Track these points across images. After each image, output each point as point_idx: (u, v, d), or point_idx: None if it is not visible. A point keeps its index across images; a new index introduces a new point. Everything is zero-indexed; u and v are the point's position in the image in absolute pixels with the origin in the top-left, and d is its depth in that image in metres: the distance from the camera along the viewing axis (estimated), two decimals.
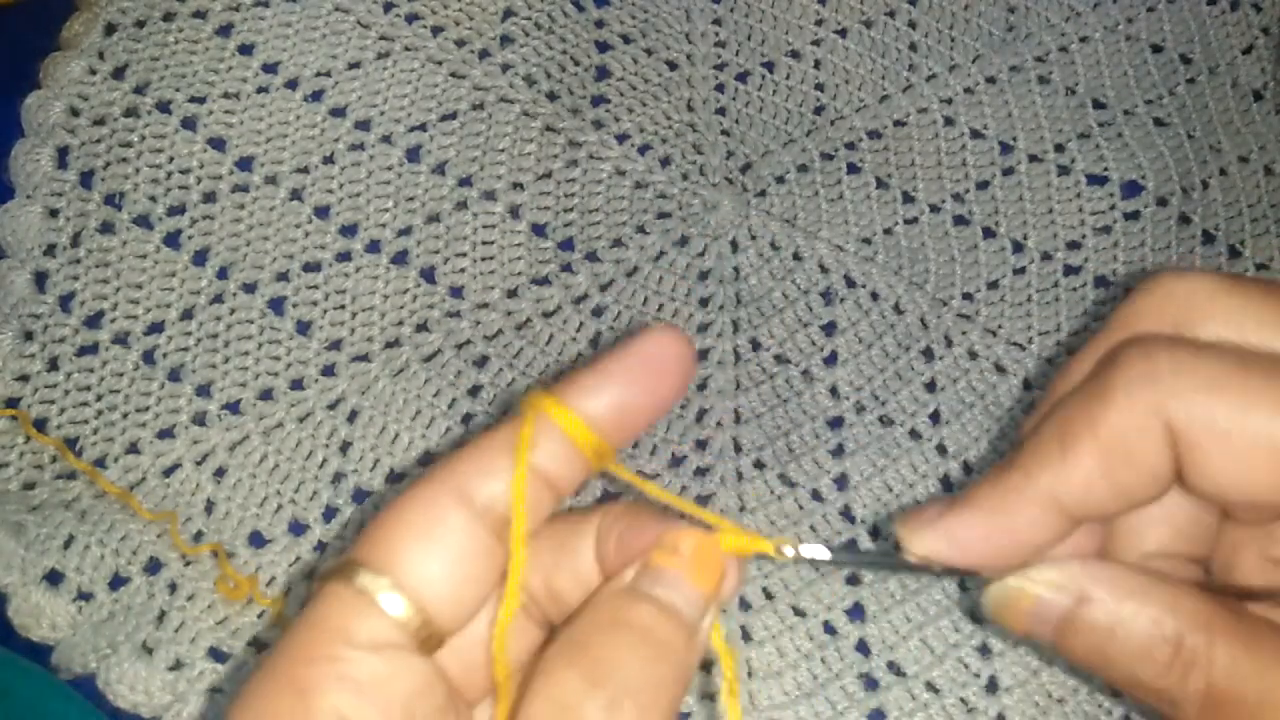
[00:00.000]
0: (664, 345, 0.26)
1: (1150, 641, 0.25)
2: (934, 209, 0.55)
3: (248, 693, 0.23)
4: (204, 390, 0.49)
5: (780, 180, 0.55)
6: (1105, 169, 0.56)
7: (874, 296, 0.53)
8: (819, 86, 0.57)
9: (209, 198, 0.52)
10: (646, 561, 0.25)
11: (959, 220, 0.55)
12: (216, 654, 0.44)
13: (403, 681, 0.23)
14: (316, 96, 0.54)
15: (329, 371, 0.49)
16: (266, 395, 0.49)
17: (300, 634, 0.24)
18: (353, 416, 0.49)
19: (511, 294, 0.52)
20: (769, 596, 0.47)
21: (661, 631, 0.24)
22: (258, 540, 0.47)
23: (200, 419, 0.48)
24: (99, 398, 0.48)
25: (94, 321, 0.49)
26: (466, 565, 0.24)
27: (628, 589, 0.25)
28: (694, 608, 0.25)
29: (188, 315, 0.50)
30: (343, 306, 0.51)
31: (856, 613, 0.47)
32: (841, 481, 0.50)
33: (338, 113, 0.54)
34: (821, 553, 0.27)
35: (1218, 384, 0.24)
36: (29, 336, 0.49)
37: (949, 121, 0.57)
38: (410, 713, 0.23)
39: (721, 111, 0.56)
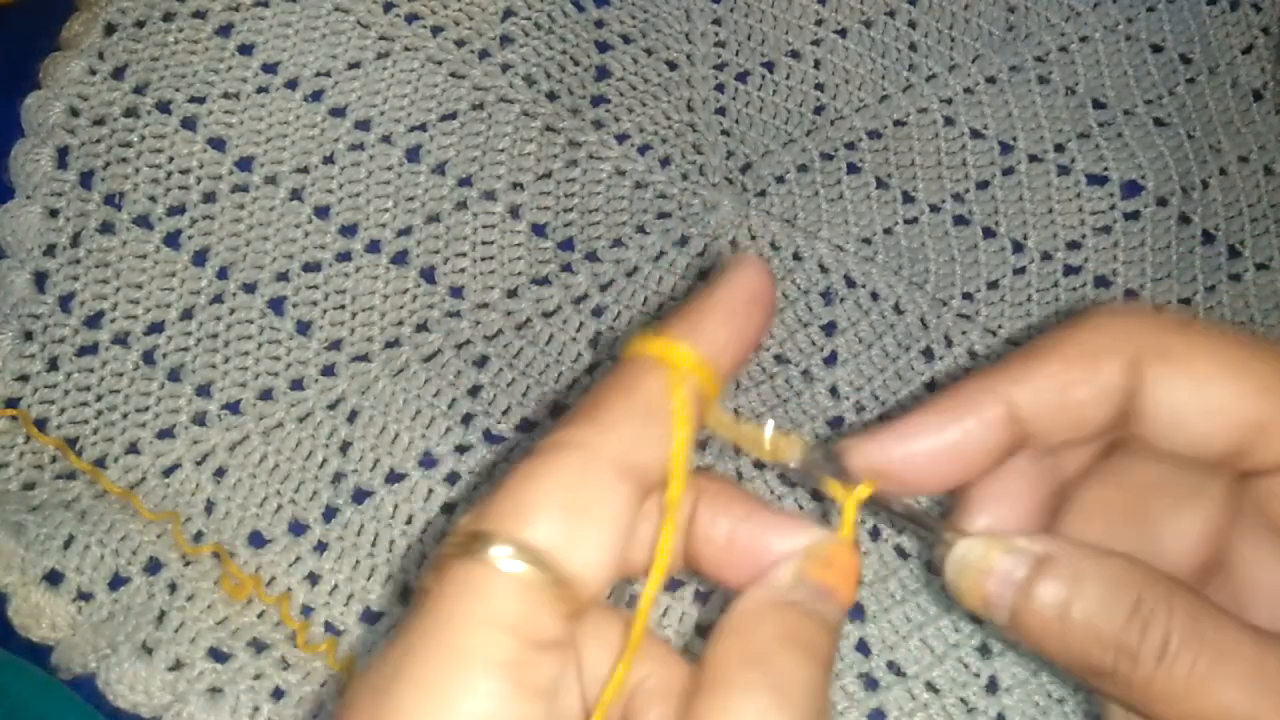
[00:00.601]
0: (756, 277, 0.26)
1: (1108, 605, 0.25)
2: (934, 209, 0.55)
3: (395, 687, 0.22)
4: (204, 390, 0.49)
5: (780, 180, 0.55)
6: (1105, 169, 0.56)
7: (874, 296, 0.53)
8: (819, 86, 0.57)
9: (209, 198, 0.52)
10: (802, 572, 0.25)
11: (959, 220, 0.55)
12: (216, 654, 0.44)
13: (547, 668, 0.22)
14: (316, 96, 0.54)
15: (329, 371, 0.49)
16: (266, 395, 0.49)
17: (438, 618, 0.22)
18: (353, 416, 0.49)
19: (511, 294, 0.52)
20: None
21: (824, 646, 0.25)
22: (258, 540, 0.47)
23: (200, 419, 0.48)
24: (99, 398, 0.48)
25: (94, 321, 0.49)
26: (624, 540, 0.23)
27: (792, 604, 0.25)
28: (841, 619, 0.25)
29: (188, 315, 0.50)
30: (343, 306, 0.51)
31: (856, 613, 0.47)
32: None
33: (338, 113, 0.54)
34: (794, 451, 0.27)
35: (1185, 328, 0.26)
36: (29, 336, 0.48)
37: (949, 121, 0.57)
38: (551, 694, 0.23)
39: (721, 111, 0.56)
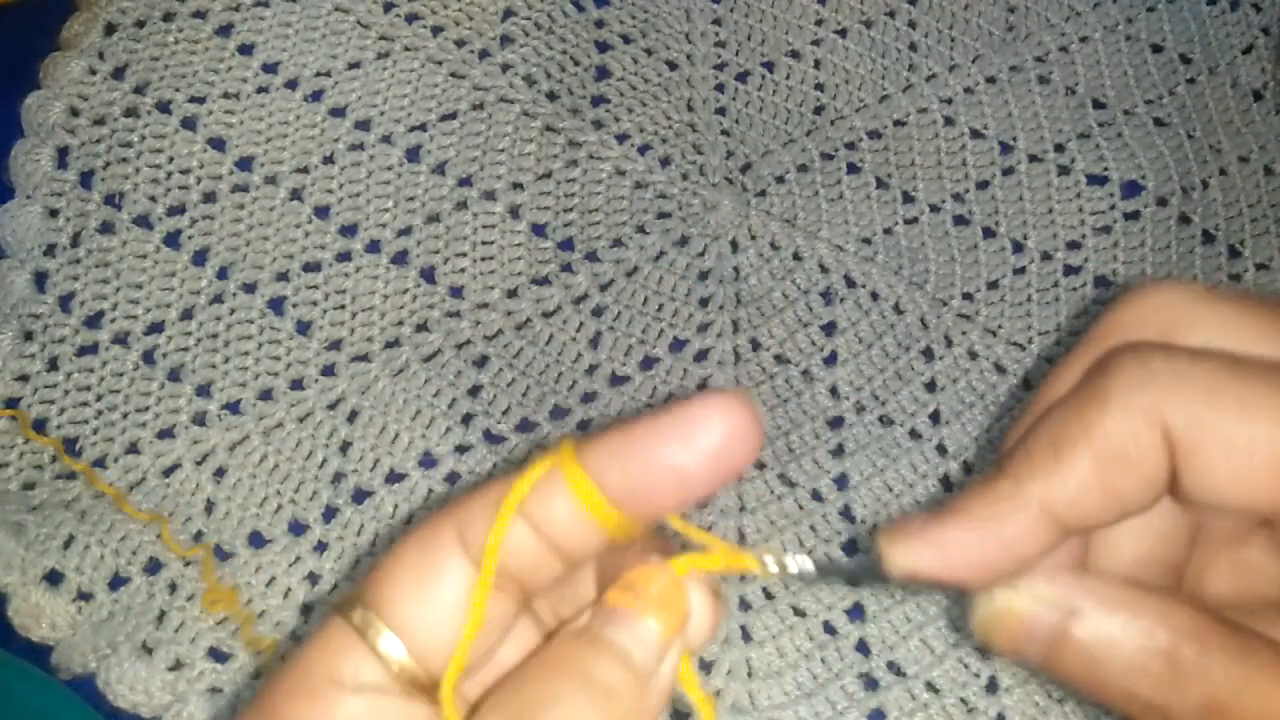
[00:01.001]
0: (715, 412, 0.23)
1: (1144, 654, 0.24)
2: (934, 209, 0.55)
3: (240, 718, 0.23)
4: (204, 390, 0.49)
5: (780, 180, 0.55)
6: (1105, 169, 0.56)
7: (874, 296, 0.53)
8: (819, 86, 0.57)
9: (209, 198, 0.52)
10: (602, 601, 0.24)
11: (959, 220, 0.55)
12: (216, 654, 0.44)
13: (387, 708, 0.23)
14: (316, 96, 0.54)
15: (329, 371, 0.49)
16: (266, 395, 0.49)
17: (293, 666, 0.23)
18: (353, 416, 0.49)
19: (511, 294, 0.52)
20: (769, 596, 0.47)
21: (608, 677, 0.23)
22: (258, 540, 0.47)
23: (200, 419, 0.48)
24: (99, 398, 0.48)
25: (94, 321, 0.49)
26: (462, 610, 0.23)
27: (579, 630, 0.24)
28: (650, 650, 0.23)
29: (188, 315, 0.50)
30: (343, 306, 0.51)
31: (856, 613, 0.47)
32: (841, 481, 0.50)
33: (338, 113, 0.54)
34: (806, 564, 0.26)
35: (1216, 389, 0.24)
36: (29, 336, 0.48)
37: (949, 121, 0.57)
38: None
39: (721, 111, 0.56)
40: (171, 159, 0.52)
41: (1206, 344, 0.25)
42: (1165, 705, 0.24)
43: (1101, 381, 0.25)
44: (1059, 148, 0.56)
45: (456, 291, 0.52)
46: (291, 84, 0.54)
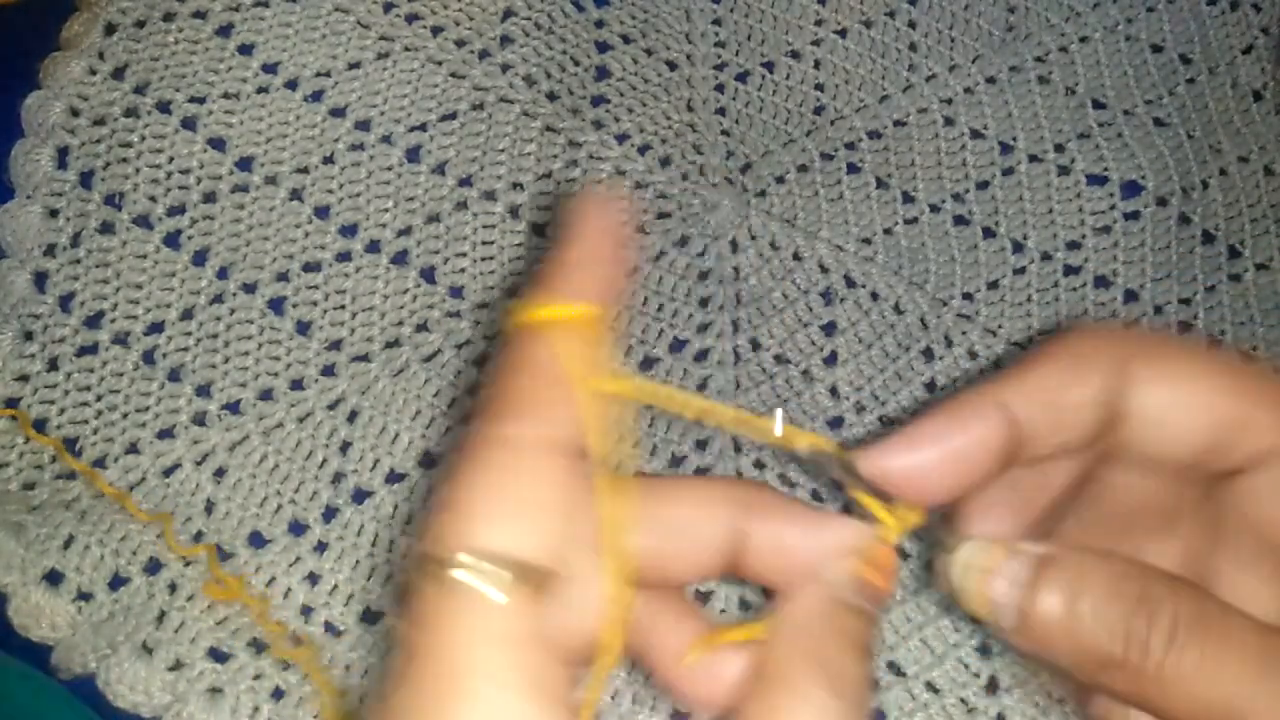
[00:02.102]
0: (603, 213, 0.27)
1: (1117, 593, 0.25)
2: (934, 209, 0.55)
3: (395, 707, 0.22)
4: (204, 390, 0.49)
5: (780, 180, 0.55)
6: (1105, 169, 0.56)
7: (874, 296, 0.53)
8: (819, 86, 0.57)
9: (209, 198, 0.52)
10: (854, 573, 0.26)
11: (959, 220, 0.55)
12: (216, 654, 0.44)
13: (532, 659, 0.23)
14: (316, 96, 0.54)
15: (329, 371, 0.49)
16: (266, 395, 0.49)
17: (436, 657, 0.23)
18: (353, 416, 0.49)
19: (511, 294, 0.52)
20: (769, 596, 0.47)
21: (870, 641, 0.26)
22: (258, 540, 0.47)
23: (200, 419, 0.48)
24: (99, 398, 0.48)
25: (94, 321, 0.49)
26: (563, 512, 0.24)
27: (843, 602, 0.26)
28: (881, 615, 0.27)
29: (188, 315, 0.50)
30: (343, 306, 0.51)
31: None
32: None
33: (338, 113, 0.54)
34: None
35: (1164, 337, 0.28)
36: (29, 336, 0.48)
37: (949, 121, 0.57)
38: (543, 674, 0.23)
39: (721, 111, 0.56)
40: (171, 159, 0.52)
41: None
42: (1140, 639, 0.25)
43: (1066, 330, 0.29)
44: (1059, 148, 0.56)
45: (456, 291, 0.52)
46: (291, 84, 0.54)
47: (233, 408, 0.48)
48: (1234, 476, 0.28)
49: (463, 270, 0.52)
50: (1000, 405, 0.27)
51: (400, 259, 0.52)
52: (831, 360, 0.52)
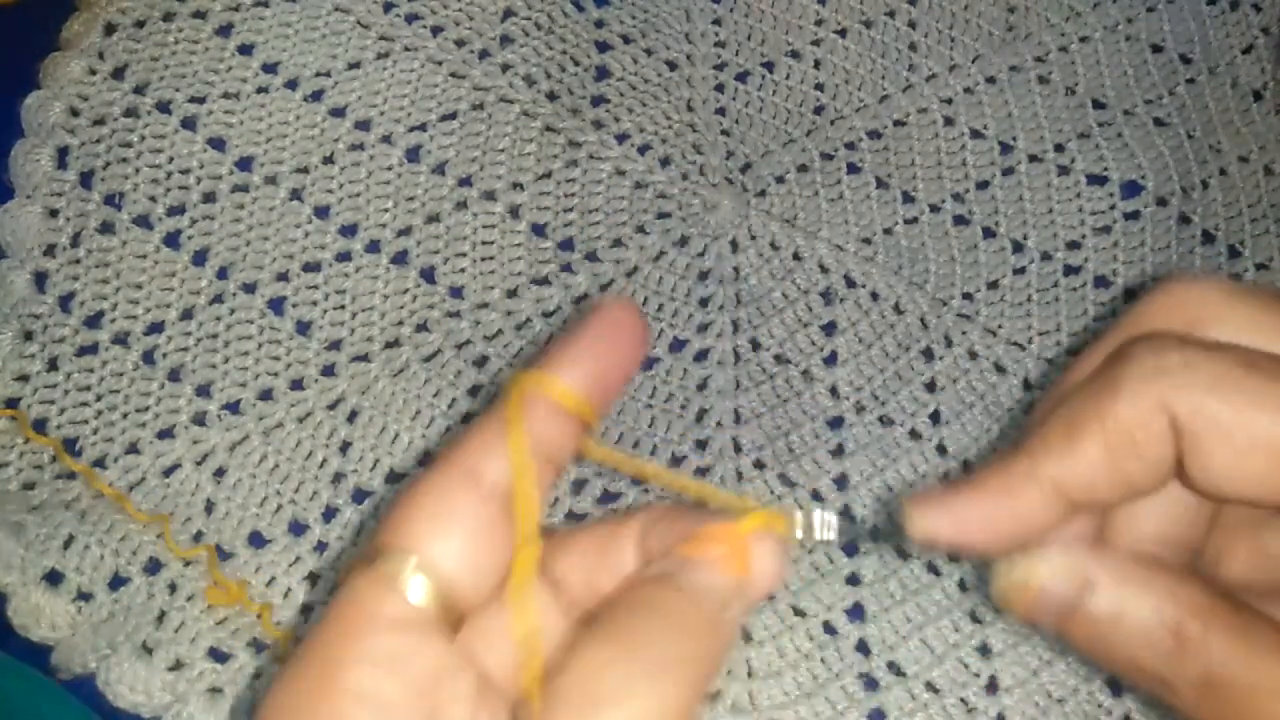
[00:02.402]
0: (623, 315, 0.28)
1: (1151, 628, 0.25)
2: (934, 209, 0.55)
3: (280, 676, 0.24)
4: (204, 390, 0.49)
5: (780, 180, 0.55)
6: (1105, 169, 0.56)
7: (874, 296, 0.53)
8: (819, 86, 0.57)
9: (209, 198, 0.52)
10: (674, 551, 0.26)
11: (959, 220, 0.55)
12: (216, 654, 0.44)
13: (424, 660, 0.24)
14: (316, 96, 0.54)
15: (329, 371, 0.49)
16: (266, 395, 0.49)
17: (326, 618, 0.24)
18: (353, 416, 0.49)
19: (511, 294, 0.52)
20: (768, 596, 0.47)
21: (689, 614, 0.25)
22: (258, 540, 0.47)
23: (200, 419, 0.48)
24: (99, 398, 0.48)
25: (94, 321, 0.49)
26: (482, 541, 0.25)
27: (657, 576, 0.26)
28: (720, 593, 0.26)
29: (188, 315, 0.50)
30: (343, 306, 0.51)
31: (856, 613, 0.47)
32: (841, 481, 0.50)
33: (338, 113, 0.54)
34: (831, 523, 0.28)
35: (1223, 382, 0.25)
36: (29, 336, 0.49)
37: (949, 121, 0.57)
38: (432, 692, 0.24)
39: (721, 111, 0.56)
40: (171, 159, 0.52)
41: (1231, 339, 0.26)
42: (1169, 677, 0.25)
43: (1116, 369, 0.26)
44: (1059, 148, 0.56)
45: (456, 291, 0.52)
46: (291, 84, 0.54)
47: (233, 408, 0.48)
48: None
49: (463, 270, 0.52)
50: (1048, 482, 0.26)
51: (400, 259, 0.52)
52: (831, 360, 0.52)
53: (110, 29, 0.53)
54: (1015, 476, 0.27)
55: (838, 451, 0.50)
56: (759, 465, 0.50)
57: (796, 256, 0.54)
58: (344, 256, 0.51)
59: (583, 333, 0.27)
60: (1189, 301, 0.27)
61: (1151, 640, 0.25)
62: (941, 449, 0.50)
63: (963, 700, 0.46)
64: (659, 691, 0.23)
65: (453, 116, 0.54)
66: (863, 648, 0.46)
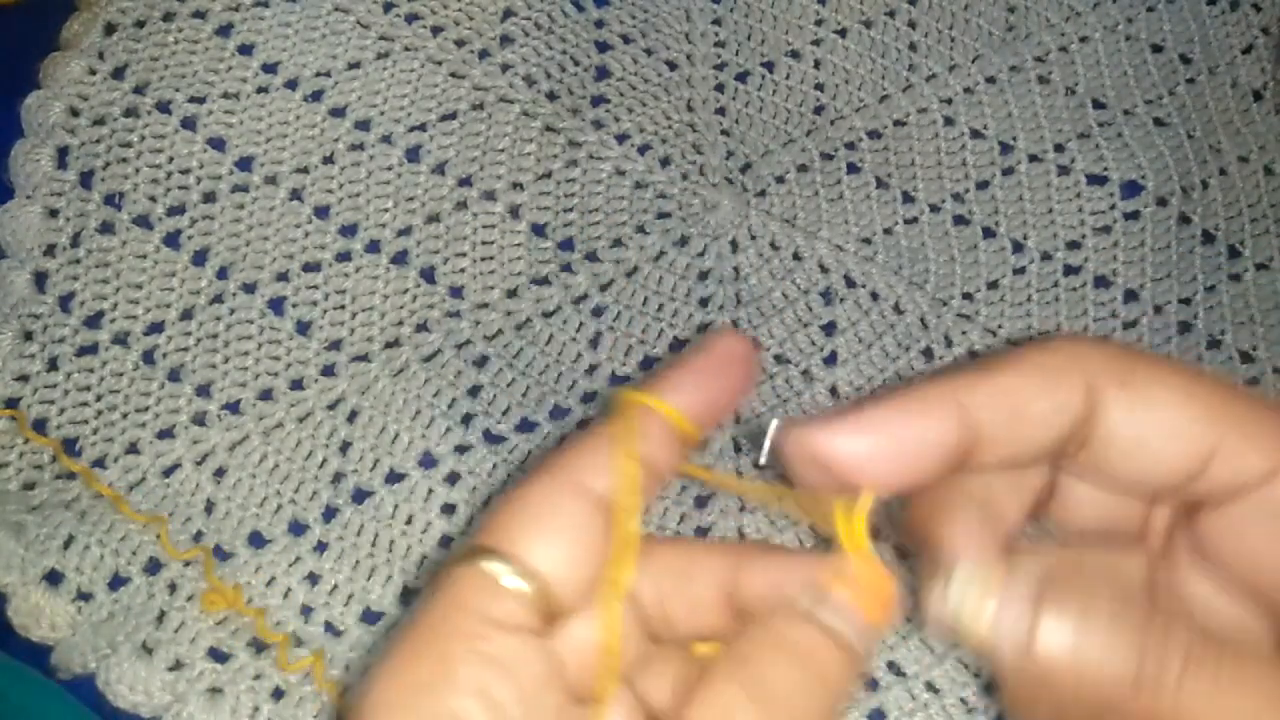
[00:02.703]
0: (737, 348, 0.29)
1: (1124, 625, 0.24)
2: (934, 209, 0.55)
3: (390, 661, 0.24)
4: (204, 390, 0.49)
5: (780, 180, 0.55)
6: (1105, 169, 0.56)
7: (874, 296, 0.53)
8: (819, 86, 0.57)
9: (209, 198, 0.52)
10: (816, 584, 0.25)
11: (959, 220, 0.55)
12: (216, 654, 0.44)
13: (533, 664, 0.24)
14: (316, 96, 0.54)
15: (329, 371, 0.49)
16: (266, 395, 0.49)
17: (439, 611, 0.24)
18: (353, 416, 0.49)
19: (511, 294, 0.52)
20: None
21: (823, 656, 0.24)
22: (258, 540, 0.47)
23: (200, 419, 0.48)
24: (99, 398, 0.48)
25: (94, 321, 0.49)
26: (583, 549, 0.26)
27: (796, 611, 0.25)
28: (860, 636, 0.25)
29: (188, 315, 0.50)
30: (343, 306, 0.51)
31: None
32: None
33: (338, 113, 0.54)
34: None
35: (1140, 355, 0.26)
36: (29, 336, 0.49)
37: (949, 121, 0.57)
38: (536, 697, 0.24)
39: (721, 111, 0.56)
40: (171, 159, 0.52)
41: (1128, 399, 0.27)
42: (1150, 674, 0.24)
43: (1039, 340, 0.27)
44: (1059, 148, 0.56)
45: (456, 291, 0.52)
46: (291, 84, 0.54)
47: (233, 408, 0.48)
48: (1205, 506, 0.27)
49: (463, 270, 0.52)
50: (960, 405, 0.26)
51: (400, 259, 0.52)
52: (831, 360, 0.52)
53: (110, 29, 0.53)
54: (923, 393, 0.26)
55: None
56: (759, 466, 0.50)
57: (796, 256, 0.54)
58: (344, 256, 0.51)
59: (696, 360, 0.28)
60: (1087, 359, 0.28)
61: (1127, 641, 0.24)
62: None
63: (962, 700, 0.46)
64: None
65: (453, 116, 0.54)
66: None
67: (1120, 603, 0.24)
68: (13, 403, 0.47)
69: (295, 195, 0.52)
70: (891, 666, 0.46)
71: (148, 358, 0.49)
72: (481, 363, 0.50)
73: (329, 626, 0.46)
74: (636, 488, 0.26)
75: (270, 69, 0.54)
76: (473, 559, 0.25)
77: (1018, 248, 0.55)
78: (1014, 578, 0.25)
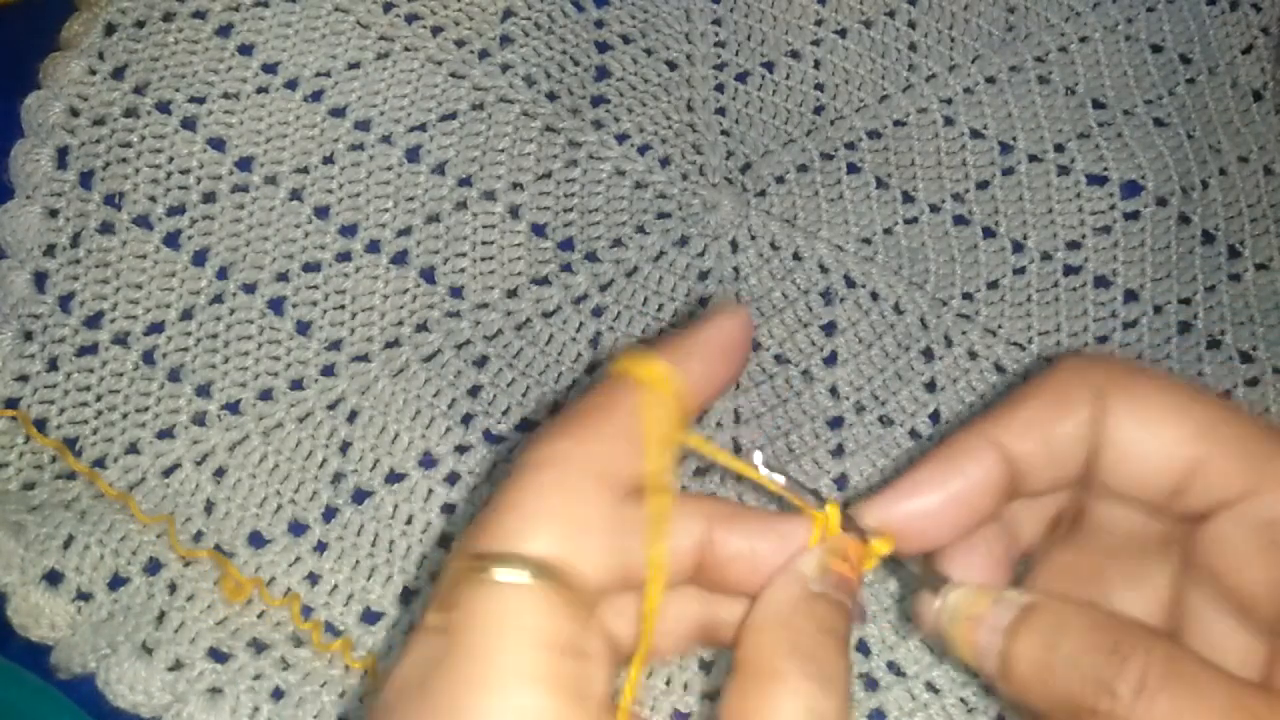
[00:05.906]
0: (737, 325, 0.29)
1: (1091, 642, 0.26)
2: (934, 209, 0.55)
3: (417, 690, 0.23)
4: (204, 390, 0.49)
5: (780, 180, 0.55)
6: (1105, 169, 0.56)
7: (874, 296, 0.53)
8: (819, 86, 0.57)
9: (209, 198, 0.52)
10: (827, 566, 0.27)
11: (959, 220, 0.55)
12: (216, 654, 0.44)
13: (581, 670, 0.24)
14: (316, 96, 0.54)
15: (329, 371, 0.49)
16: (266, 395, 0.49)
17: (469, 638, 0.23)
18: (353, 416, 0.49)
19: (511, 294, 0.52)
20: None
21: (847, 632, 0.27)
22: (258, 540, 0.47)
23: (200, 419, 0.48)
24: (99, 398, 0.48)
25: (94, 321, 0.49)
26: (613, 538, 0.25)
27: (821, 595, 0.27)
28: (852, 606, 0.28)
29: (188, 315, 0.50)
30: (343, 306, 0.51)
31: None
32: (841, 481, 0.50)
33: (337, 113, 0.54)
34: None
35: (1139, 370, 0.28)
36: (29, 336, 0.48)
37: (949, 121, 0.57)
38: (581, 687, 0.24)
39: (721, 111, 0.56)
40: (171, 159, 0.52)
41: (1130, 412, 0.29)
42: (1109, 687, 0.25)
43: (1048, 366, 0.29)
44: (1059, 148, 0.56)
45: (456, 291, 0.52)
46: (291, 84, 0.54)
47: (233, 408, 0.48)
48: (1200, 520, 0.28)
49: (463, 270, 0.52)
50: (996, 444, 0.28)
51: (400, 259, 0.52)
52: (831, 360, 0.52)
53: (110, 29, 0.53)
54: (960, 443, 0.28)
55: (838, 451, 0.50)
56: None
57: (796, 256, 0.54)
58: (344, 256, 0.51)
59: (703, 333, 0.28)
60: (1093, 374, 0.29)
61: (1091, 655, 0.25)
62: None
63: (962, 700, 0.46)
64: (837, 709, 0.25)
65: (453, 116, 0.54)
66: (863, 648, 0.46)
67: (1091, 632, 0.26)
68: (13, 403, 0.47)
69: (295, 195, 0.52)
70: (891, 666, 0.46)
71: (148, 358, 0.49)
72: (481, 363, 0.50)
73: (329, 626, 0.46)
74: (670, 467, 0.26)
75: (270, 69, 0.54)
76: (490, 565, 0.24)
77: (1018, 248, 0.55)
78: (997, 606, 0.27)
